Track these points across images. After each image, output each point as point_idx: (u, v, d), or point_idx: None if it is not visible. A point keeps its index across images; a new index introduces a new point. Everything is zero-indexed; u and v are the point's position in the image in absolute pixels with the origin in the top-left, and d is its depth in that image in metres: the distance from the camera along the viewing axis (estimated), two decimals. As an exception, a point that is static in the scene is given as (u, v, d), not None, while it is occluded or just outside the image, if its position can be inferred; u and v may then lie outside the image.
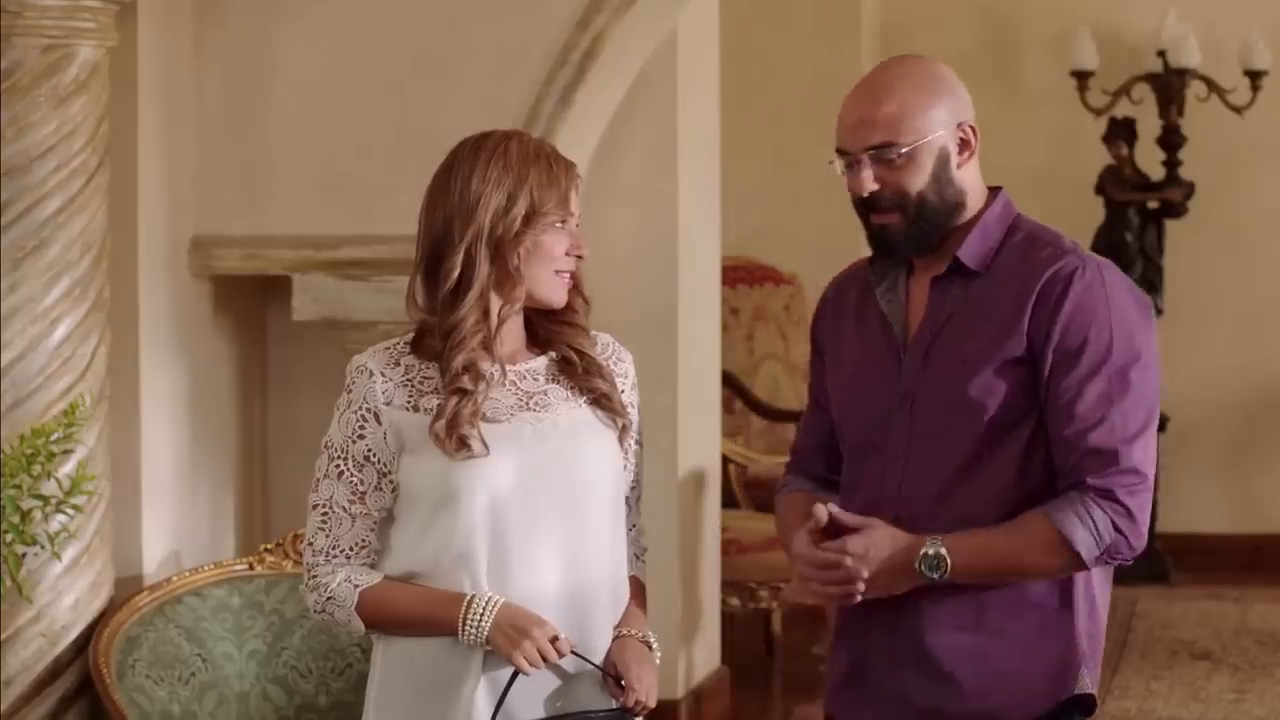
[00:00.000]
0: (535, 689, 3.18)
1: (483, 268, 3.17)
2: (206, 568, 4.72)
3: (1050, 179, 8.77)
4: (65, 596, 4.62)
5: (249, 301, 5.55)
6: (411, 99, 5.23)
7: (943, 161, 3.14)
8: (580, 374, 3.25)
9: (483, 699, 3.16)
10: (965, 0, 9.36)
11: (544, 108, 5.18)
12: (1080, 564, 3.09)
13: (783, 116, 8.83)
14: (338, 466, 3.22)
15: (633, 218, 5.99)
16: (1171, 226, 9.13)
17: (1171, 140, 9.04)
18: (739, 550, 7.14)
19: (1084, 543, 3.06)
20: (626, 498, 3.31)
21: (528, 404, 3.22)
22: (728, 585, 6.92)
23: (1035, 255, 3.14)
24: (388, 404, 3.20)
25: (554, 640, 3.13)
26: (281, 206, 5.32)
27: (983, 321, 3.13)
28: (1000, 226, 3.18)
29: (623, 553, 3.29)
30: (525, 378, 3.24)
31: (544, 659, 3.13)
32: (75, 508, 4.38)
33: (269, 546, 4.73)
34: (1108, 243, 8.80)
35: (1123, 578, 3.36)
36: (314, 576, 3.24)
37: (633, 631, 3.26)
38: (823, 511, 3.11)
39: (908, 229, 3.15)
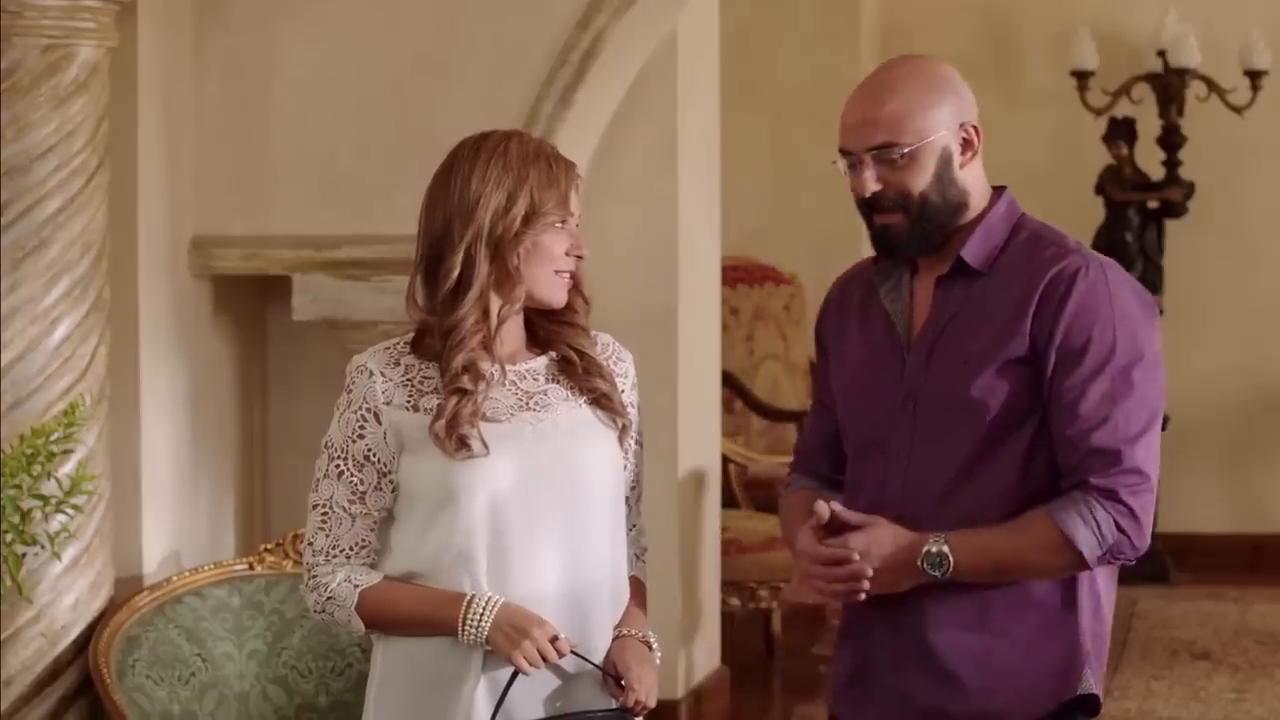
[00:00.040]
0: (535, 689, 3.17)
1: (482, 268, 3.16)
2: (206, 568, 4.72)
3: (1050, 179, 8.77)
4: (65, 596, 4.62)
5: (249, 301, 5.55)
6: (411, 99, 5.23)
7: (945, 162, 3.14)
8: (580, 374, 3.25)
9: (483, 699, 3.16)
10: (965, 0, 9.36)
11: (544, 108, 5.18)
12: (1083, 564, 3.09)
13: (783, 116, 8.83)
14: (338, 466, 3.22)
15: (633, 218, 5.99)
16: (1171, 226, 9.13)
17: (1171, 140, 9.04)
18: (739, 550, 7.14)
19: (1086, 542, 3.06)
20: (626, 498, 3.31)
21: (528, 404, 3.22)
22: (728, 585, 6.92)
23: (1039, 255, 3.14)
24: (388, 404, 3.19)
25: (554, 640, 3.13)
26: (281, 206, 5.32)
27: (986, 321, 3.12)
28: (1004, 226, 3.18)
29: (623, 553, 3.29)
30: (525, 378, 3.24)
31: (544, 659, 3.13)
32: (75, 508, 4.38)
33: (269, 546, 4.73)
34: (1108, 243, 8.80)
35: (1123, 578, 3.35)
36: (314, 576, 3.23)
37: (633, 631, 3.26)
38: (824, 508, 3.11)
39: (910, 229, 3.15)
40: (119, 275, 4.88)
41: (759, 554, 7.21)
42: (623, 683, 3.20)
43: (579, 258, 3.23)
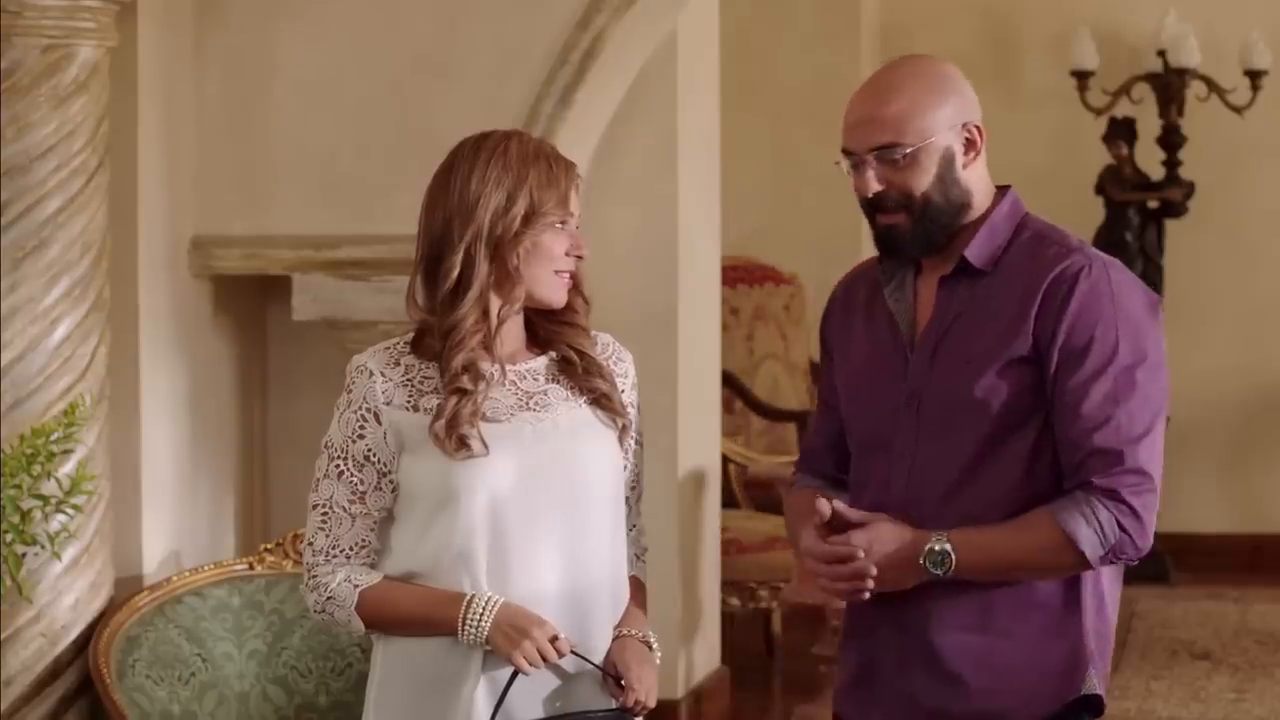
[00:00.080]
0: (535, 689, 3.17)
1: (482, 268, 3.16)
2: (206, 568, 4.72)
3: (1050, 179, 8.76)
4: (65, 596, 4.62)
5: (249, 301, 5.55)
6: (411, 99, 5.23)
7: (948, 162, 3.13)
8: (580, 374, 3.25)
9: (482, 699, 3.16)
10: (965, 0, 9.36)
11: (544, 108, 5.18)
12: (1085, 564, 3.08)
13: (783, 116, 8.83)
14: (338, 466, 3.22)
15: (633, 218, 5.99)
16: (1171, 226, 9.13)
17: (1171, 140, 9.04)
18: (739, 550, 7.14)
19: (1089, 542, 3.05)
20: (626, 498, 3.31)
21: (528, 404, 3.22)
22: (728, 585, 6.92)
23: (1042, 254, 3.13)
24: (388, 404, 3.19)
25: (554, 640, 3.13)
26: (281, 206, 5.32)
27: (989, 321, 3.12)
28: (1008, 226, 3.18)
29: (623, 553, 3.29)
30: (525, 378, 3.24)
31: (544, 659, 3.13)
32: (75, 508, 4.38)
33: (269, 546, 4.73)
34: (1108, 242, 8.79)
35: (1123, 578, 3.35)
36: (314, 576, 3.23)
37: (633, 631, 3.26)
38: (826, 506, 3.11)
39: (913, 229, 3.14)
40: (119, 275, 4.88)
41: (759, 554, 7.21)
42: (622, 683, 3.19)
43: (579, 258, 3.23)
